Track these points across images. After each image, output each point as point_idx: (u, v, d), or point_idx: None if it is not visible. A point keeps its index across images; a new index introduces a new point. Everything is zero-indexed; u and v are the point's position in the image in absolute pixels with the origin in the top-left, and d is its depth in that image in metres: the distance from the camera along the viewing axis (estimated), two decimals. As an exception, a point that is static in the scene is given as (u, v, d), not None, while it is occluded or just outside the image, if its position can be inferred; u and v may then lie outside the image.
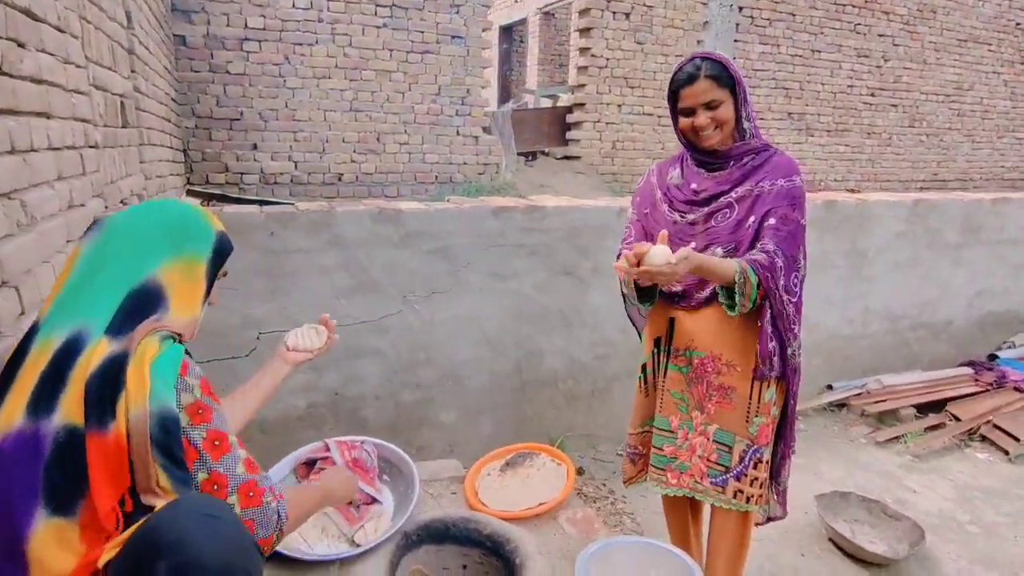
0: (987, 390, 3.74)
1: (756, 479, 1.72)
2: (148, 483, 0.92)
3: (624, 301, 1.91)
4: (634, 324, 2.02)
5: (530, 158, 7.04)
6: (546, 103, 8.46)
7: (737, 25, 7.19)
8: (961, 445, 3.35)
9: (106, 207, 1.91)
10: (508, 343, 2.91)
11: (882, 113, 8.34)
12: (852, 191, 5.37)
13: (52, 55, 1.45)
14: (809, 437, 3.41)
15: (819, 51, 7.75)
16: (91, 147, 1.76)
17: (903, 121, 8.52)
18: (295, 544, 1.43)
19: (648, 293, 1.74)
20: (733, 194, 1.67)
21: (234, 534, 0.90)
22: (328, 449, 1.65)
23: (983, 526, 2.68)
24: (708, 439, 1.75)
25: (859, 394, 3.72)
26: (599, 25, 6.60)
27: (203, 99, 5.07)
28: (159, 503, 0.91)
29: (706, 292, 1.70)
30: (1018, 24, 8.93)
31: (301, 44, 5.28)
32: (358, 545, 1.42)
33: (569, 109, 7.01)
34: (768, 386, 1.70)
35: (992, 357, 4.19)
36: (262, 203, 2.79)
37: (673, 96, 1.68)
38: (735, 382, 1.71)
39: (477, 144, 6.09)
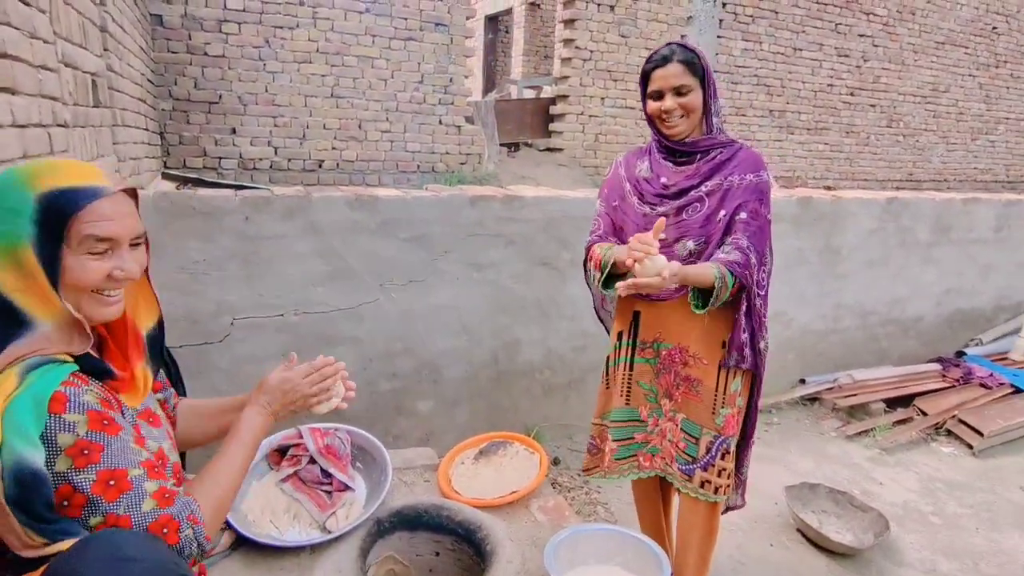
0: (954, 386, 3.83)
1: (724, 470, 1.74)
2: (19, 542, 0.81)
3: (590, 289, 1.93)
4: (602, 322, 2.04)
5: (513, 149, 7.02)
6: (529, 94, 8.44)
7: (720, 21, 7.20)
8: (927, 439, 3.43)
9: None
10: (485, 333, 2.92)
11: (861, 113, 8.46)
12: (829, 188, 5.44)
13: (17, 29, 1.41)
14: (781, 430, 3.47)
15: (800, 49, 7.83)
16: (60, 126, 1.72)
17: (881, 121, 8.65)
18: (266, 530, 1.42)
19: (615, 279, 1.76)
20: (703, 188, 1.69)
21: None
22: (301, 436, 1.64)
23: (946, 518, 2.75)
24: (676, 425, 1.79)
25: (831, 388, 3.79)
26: (583, 17, 6.59)
27: (180, 81, 4.97)
28: (54, 549, 0.81)
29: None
30: (994, 28, 9.09)
31: (282, 27, 5.19)
32: (329, 531, 1.42)
33: (552, 101, 7.00)
34: (734, 377, 1.73)
35: (960, 354, 4.29)
36: (238, 188, 2.74)
37: (644, 79, 1.70)
38: (701, 374, 1.74)
39: (460, 134, 6.05)
